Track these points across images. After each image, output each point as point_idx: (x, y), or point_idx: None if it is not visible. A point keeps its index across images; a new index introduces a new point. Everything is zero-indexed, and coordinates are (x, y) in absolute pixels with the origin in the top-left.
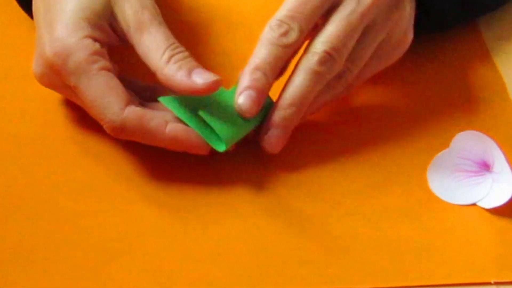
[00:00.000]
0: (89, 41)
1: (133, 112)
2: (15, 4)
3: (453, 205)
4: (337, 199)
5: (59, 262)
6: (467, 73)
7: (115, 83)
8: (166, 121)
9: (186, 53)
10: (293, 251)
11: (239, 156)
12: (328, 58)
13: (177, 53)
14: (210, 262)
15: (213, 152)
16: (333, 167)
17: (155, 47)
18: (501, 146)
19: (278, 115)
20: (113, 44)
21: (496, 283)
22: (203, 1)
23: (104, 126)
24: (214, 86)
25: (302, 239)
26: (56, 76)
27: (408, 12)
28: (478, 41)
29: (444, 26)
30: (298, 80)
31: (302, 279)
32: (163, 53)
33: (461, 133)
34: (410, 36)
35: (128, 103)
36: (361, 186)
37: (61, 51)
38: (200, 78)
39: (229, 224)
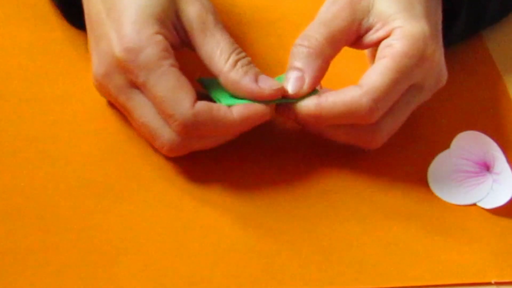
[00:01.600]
0: (160, 37)
1: (204, 105)
2: (15, 4)
3: (453, 205)
4: (337, 199)
5: (60, 262)
6: (468, 73)
7: (184, 79)
8: (230, 108)
9: (250, 59)
10: (293, 251)
11: (239, 156)
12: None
13: (242, 58)
14: (210, 262)
15: (213, 153)
16: (333, 167)
17: (219, 50)
18: (501, 146)
19: (305, 109)
20: (176, 44)
21: (496, 283)
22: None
23: (174, 124)
24: (278, 93)
25: (302, 239)
26: (122, 75)
27: (437, 56)
28: (479, 42)
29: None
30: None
31: (302, 279)
32: (229, 57)
33: (462, 133)
34: (444, 77)
35: (196, 99)
36: (361, 186)
37: (132, 47)
38: (266, 85)
39: (229, 224)
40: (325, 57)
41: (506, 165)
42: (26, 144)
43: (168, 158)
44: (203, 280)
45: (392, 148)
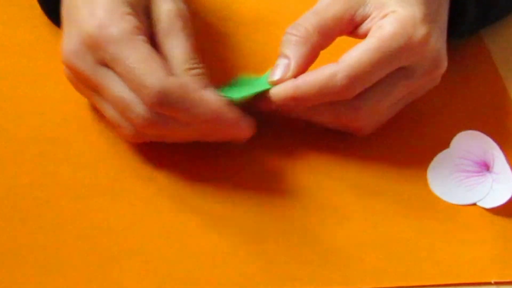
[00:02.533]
0: (132, 17)
1: (177, 80)
2: (15, 4)
3: (453, 205)
4: (336, 199)
5: (60, 262)
6: (467, 73)
7: (157, 55)
8: (212, 95)
9: (204, 71)
10: (293, 251)
11: (239, 156)
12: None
13: (196, 68)
14: (210, 262)
15: (213, 152)
16: (333, 167)
17: (177, 54)
18: (501, 146)
19: (280, 91)
20: (145, 33)
21: (496, 283)
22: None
23: (147, 95)
24: (219, 113)
25: (301, 239)
26: (92, 53)
27: (425, 40)
28: (479, 42)
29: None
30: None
31: (302, 279)
32: (184, 63)
33: (461, 133)
34: (442, 64)
35: (171, 74)
36: (361, 186)
37: (104, 22)
38: (211, 96)
39: (229, 224)
40: (312, 45)
41: (505, 165)
42: (26, 144)
43: (168, 158)
44: (203, 280)
45: (392, 148)
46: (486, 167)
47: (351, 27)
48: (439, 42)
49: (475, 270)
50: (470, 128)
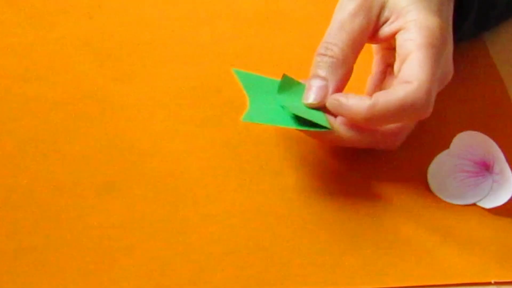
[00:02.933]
0: None
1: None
2: (15, 4)
3: (453, 205)
4: (336, 199)
5: (59, 262)
6: (467, 73)
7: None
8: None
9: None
10: (293, 251)
11: (238, 157)
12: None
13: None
14: (210, 262)
15: (212, 153)
16: (333, 167)
17: None
18: (501, 146)
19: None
20: None
21: (496, 283)
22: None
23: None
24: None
25: (302, 239)
26: None
27: (450, 48)
28: (479, 42)
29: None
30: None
31: (302, 279)
32: None
33: (462, 133)
34: (451, 72)
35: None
36: (361, 186)
37: None
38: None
39: (229, 224)
40: (349, 64)
41: (506, 165)
42: (26, 144)
43: (167, 157)
44: (203, 280)
45: None
46: (486, 167)
47: (374, 33)
48: (452, 51)
49: (475, 270)
50: (470, 129)
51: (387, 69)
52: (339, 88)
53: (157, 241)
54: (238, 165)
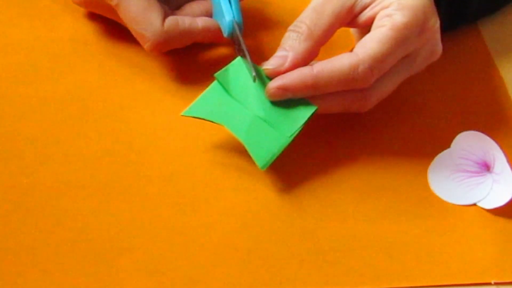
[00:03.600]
0: None
1: (171, 22)
2: (15, 4)
3: (453, 205)
4: (337, 199)
5: (59, 262)
6: (468, 73)
7: (153, 1)
8: (195, 19)
9: None
10: (293, 251)
11: (237, 156)
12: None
13: None
14: (210, 262)
15: (211, 152)
16: (333, 167)
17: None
18: (501, 146)
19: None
20: None
21: (496, 284)
22: None
23: (147, 45)
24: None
25: (302, 239)
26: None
27: (436, 28)
28: (479, 42)
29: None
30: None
31: (302, 279)
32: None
33: (462, 133)
34: (439, 50)
35: (165, 15)
36: (361, 186)
37: None
38: (198, 23)
39: (229, 224)
40: (313, 41)
41: (506, 165)
42: (26, 144)
43: (167, 155)
44: (203, 280)
45: (392, 148)
46: (486, 167)
47: (350, 18)
48: (439, 29)
49: (475, 270)
50: (470, 128)
51: None
52: (300, 62)
53: (157, 241)
54: (238, 165)
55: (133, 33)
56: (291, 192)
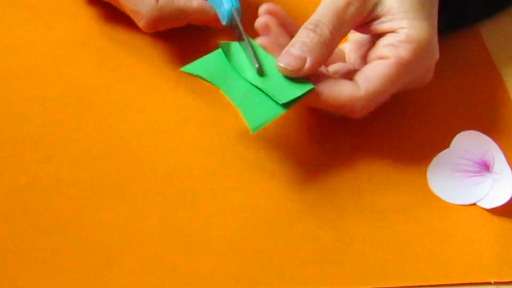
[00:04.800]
0: None
1: (166, 0)
2: (15, 4)
3: (453, 205)
4: (337, 199)
5: (59, 262)
6: (468, 73)
7: None
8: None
9: None
10: (293, 251)
11: (237, 156)
12: None
13: None
14: (210, 262)
15: (211, 152)
16: (333, 167)
17: None
18: (501, 146)
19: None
20: None
21: (496, 283)
22: None
23: (142, 22)
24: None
25: (302, 239)
26: None
27: (435, 61)
28: (479, 42)
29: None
30: None
31: (302, 279)
32: None
33: (462, 133)
34: (430, 77)
35: None
36: (361, 186)
37: None
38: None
39: (229, 224)
40: (333, 48)
41: (506, 165)
42: (26, 144)
43: (166, 154)
44: (203, 280)
45: (392, 148)
46: (486, 167)
47: (361, 23)
48: (435, 38)
49: (475, 270)
50: (470, 128)
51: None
52: (317, 67)
53: (157, 241)
54: (238, 165)
55: (128, 11)
56: (291, 192)
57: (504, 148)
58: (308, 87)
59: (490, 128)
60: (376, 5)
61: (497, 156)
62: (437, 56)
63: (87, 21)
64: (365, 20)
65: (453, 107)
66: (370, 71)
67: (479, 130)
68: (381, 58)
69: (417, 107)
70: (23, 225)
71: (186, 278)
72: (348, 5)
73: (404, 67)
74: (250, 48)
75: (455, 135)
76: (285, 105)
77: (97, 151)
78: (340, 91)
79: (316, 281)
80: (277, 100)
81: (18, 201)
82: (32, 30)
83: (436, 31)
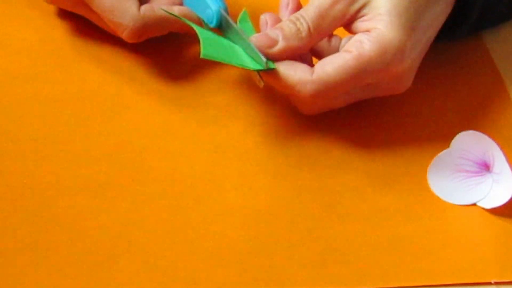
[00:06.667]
0: None
1: (147, 8)
2: (15, 4)
3: (453, 205)
4: (337, 199)
5: (59, 262)
6: (467, 73)
7: None
8: (171, 6)
9: None
10: (293, 251)
11: (237, 156)
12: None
13: None
14: (210, 262)
15: (211, 152)
16: (333, 167)
17: None
18: (501, 146)
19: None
20: None
21: (496, 283)
22: None
23: (125, 32)
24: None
25: (302, 239)
26: None
27: (408, 67)
28: (479, 42)
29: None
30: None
31: (302, 279)
32: None
33: (462, 133)
34: (406, 86)
35: (139, 3)
36: (361, 186)
37: None
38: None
39: (229, 224)
40: (309, 42)
41: (506, 165)
42: (26, 144)
43: (165, 153)
44: (203, 280)
45: (392, 148)
46: (486, 167)
47: (348, 22)
48: (411, 69)
49: (475, 270)
50: (470, 128)
51: None
52: (287, 54)
53: (157, 241)
54: (238, 165)
55: (110, 24)
56: (291, 192)
57: (504, 148)
58: (269, 65)
59: (490, 128)
60: (363, 6)
61: (497, 156)
62: (405, 66)
63: (88, 21)
64: (352, 20)
65: (453, 107)
66: (328, 60)
67: (479, 130)
68: (345, 51)
69: (417, 107)
70: (23, 225)
71: (186, 278)
72: (333, 4)
73: (362, 63)
74: (244, 37)
75: (455, 135)
76: (241, 63)
77: (97, 151)
78: (293, 71)
79: (316, 281)
80: (241, 61)
81: (18, 201)
82: (32, 30)
83: (413, 45)
